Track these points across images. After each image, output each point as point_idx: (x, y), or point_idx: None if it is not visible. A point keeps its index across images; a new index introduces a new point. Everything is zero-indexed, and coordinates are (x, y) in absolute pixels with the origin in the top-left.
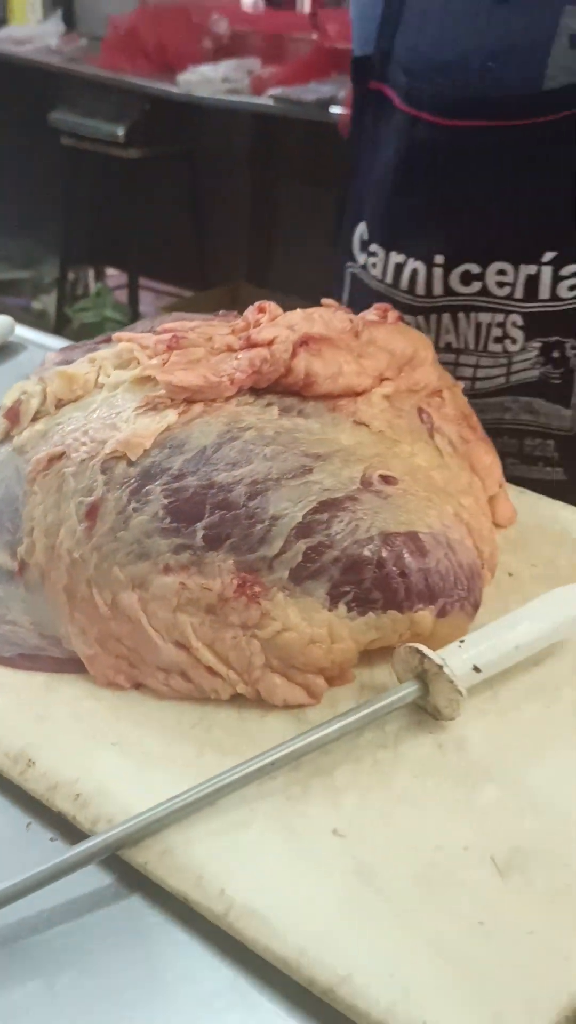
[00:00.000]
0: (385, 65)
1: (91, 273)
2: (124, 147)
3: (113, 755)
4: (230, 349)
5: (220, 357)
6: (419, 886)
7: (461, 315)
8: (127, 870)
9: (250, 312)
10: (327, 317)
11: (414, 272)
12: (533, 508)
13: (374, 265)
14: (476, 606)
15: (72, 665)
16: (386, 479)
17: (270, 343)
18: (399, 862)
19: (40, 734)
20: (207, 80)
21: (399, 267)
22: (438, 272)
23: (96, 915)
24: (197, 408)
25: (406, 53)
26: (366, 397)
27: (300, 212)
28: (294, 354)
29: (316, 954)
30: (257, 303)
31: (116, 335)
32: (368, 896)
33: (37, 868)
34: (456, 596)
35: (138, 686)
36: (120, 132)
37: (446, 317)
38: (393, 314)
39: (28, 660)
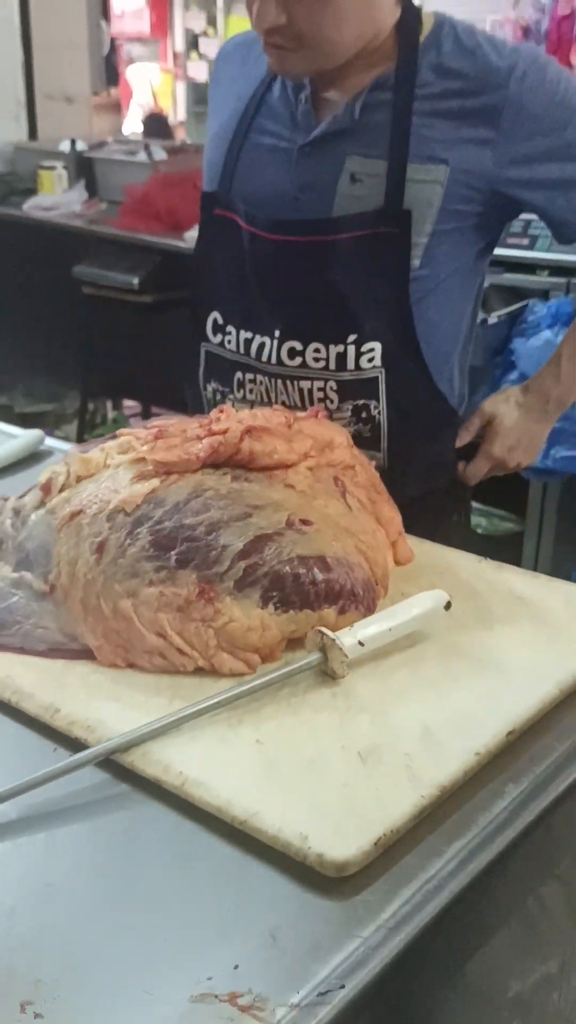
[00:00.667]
0: (228, 198)
1: (108, 404)
2: (138, 294)
3: (113, 705)
4: (198, 437)
5: (191, 442)
6: (306, 768)
7: (289, 382)
8: (119, 768)
9: (213, 412)
10: (268, 415)
11: (261, 344)
12: (428, 552)
13: (230, 342)
14: (370, 609)
15: (85, 654)
16: (304, 522)
17: (225, 432)
18: (295, 755)
19: (63, 694)
20: None
21: (248, 341)
22: (276, 344)
23: (98, 796)
24: (174, 477)
25: (242, 188)
26: (294, 468)
27: None
28: (241, 439)
29: (237, 802)
30: (219, 406)
31: (119, 431)
32: (272, 773)
33: (59, 764)
34: (352, 600)
35: (131, 665)
36: (135, 282)
37: (279, 382)
38: (322, 414)
39: (54, 652)
